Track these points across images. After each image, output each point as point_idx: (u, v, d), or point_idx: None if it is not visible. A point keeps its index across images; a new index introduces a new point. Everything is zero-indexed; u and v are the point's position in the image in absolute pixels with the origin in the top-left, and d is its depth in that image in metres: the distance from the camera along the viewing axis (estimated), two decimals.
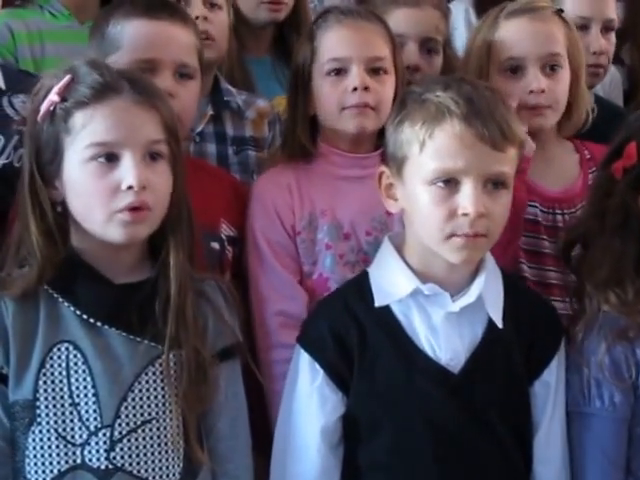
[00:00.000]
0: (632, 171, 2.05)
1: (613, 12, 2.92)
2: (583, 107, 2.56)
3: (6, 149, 2.37)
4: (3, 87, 2.46)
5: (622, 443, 2.04)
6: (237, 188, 2.53)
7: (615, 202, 2.06)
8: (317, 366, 2.00)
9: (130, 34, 2.29)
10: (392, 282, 2.02)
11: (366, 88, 2.31)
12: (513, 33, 2.47)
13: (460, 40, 3.17)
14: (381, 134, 2.25)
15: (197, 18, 2.55)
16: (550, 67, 2.43)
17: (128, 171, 1.85)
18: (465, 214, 1.89)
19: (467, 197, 1.89)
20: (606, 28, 2.85)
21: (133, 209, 1.86)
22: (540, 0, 2.64)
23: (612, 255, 2.05)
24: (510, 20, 2.49)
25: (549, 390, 2.06)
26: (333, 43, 2.37)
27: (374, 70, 2.34)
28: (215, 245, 2.36)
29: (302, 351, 2.03)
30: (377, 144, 2.30)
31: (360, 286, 2.06)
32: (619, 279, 2.04)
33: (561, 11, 2.58)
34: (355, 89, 2.31)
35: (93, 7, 2.92)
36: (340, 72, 2.34)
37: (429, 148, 1.92)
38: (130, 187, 1.85)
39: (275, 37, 3.04)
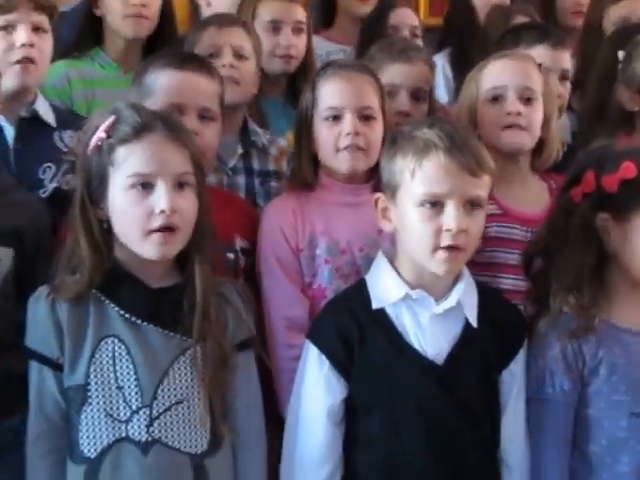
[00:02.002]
0: (591, 195, 2.04)
1: (568, 63, 2.92)
2: (554, 144, 2.56)
3: (56, 176, 2.40)
4: (54, 124, 2.48)
5: (570, 423, 2.05)
6: (250, 210, 2.54)
7: (576, 222, 2.05)
8: (324, 357, 2.00)
9: (162, 82, 2.30)
10: (386, 288, 2.02)
11: (357, 133, 2.30)
12: (497, 68, 2.48)
13: (440, 89, 3.16)
14: (371, 169, 2.31)
15: (224, 66, 2.56)
16: (526, 98, 2.42)
17: (161, 198, 1.87)
18: (448, 230, 1.89)
19: (451, 216, 1.90)
20: (562, 77, 2.85)
21: (164, 229, 1.87)
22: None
23: (574, 265, 2.04)
24: (497, 60, 2.51)
25: (514, 379, 2.06)
26: (330, 93, 2.36)
27: (365, 117, 2.33)
28: (230, 255, 2.35)
29: (311, 345, 2.03)
30: (368, 176, 2.31)
31: (359, 291, 2.05)
32: (579, 285, 2.03)
33: (540, 65, 2.58)
34: (348, 134, 2.30)
35: (135, 58, 2.93)
36: (336, 118, 2.33)
37: (418, 176, 1.93)
38: (162, 211, 1.86)
39: (288, 83, 3.05)
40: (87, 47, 2.94)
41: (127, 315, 1.92)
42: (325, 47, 3.48)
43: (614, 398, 2.02)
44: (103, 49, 2.96)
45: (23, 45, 2.36)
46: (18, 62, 2.37)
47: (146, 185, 1.88)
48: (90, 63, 2.92)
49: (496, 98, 2.44)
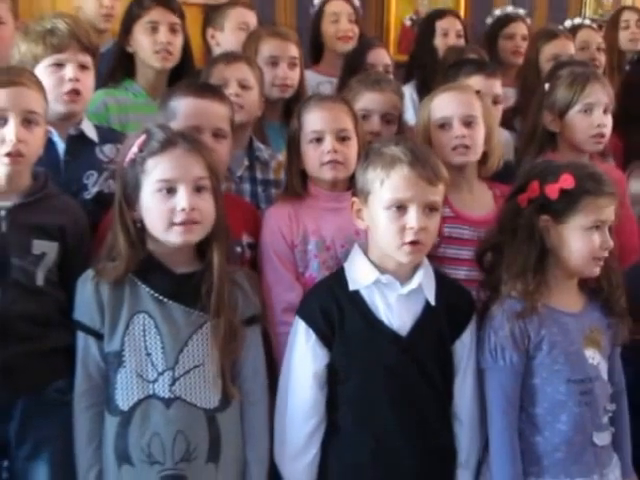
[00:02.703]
0: (535, 201, 2.06)
1: (499, 89, 2.91)
2: (496, 155, 2.55)
3: (98, 181, 2.41)
4: (96, 140, 2.49)
5: (517, 389, 2.05)
6: (254, 212, 2.52)
7: (522, 222, 2.07)
8: (311, 331, 2.01)
9: (183, 107, 2.31)
10: (360, 274, 2.03)
11: (336, 150, 2.32)
12: (444, 101, 2.47)
13: (409, 113, 3.20)
14: (350, 179, 2.29)
15: (231, 95, 2.55)
16: (469, 122, 2.44)
17: (182, 198, 1.89)
18: (411, 228, 1.92)
19: (413, 218, 1.93)
20: (494, 101, 2.84)
21: (185, 223, 1.90)
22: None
23: (521, 258, 2.06)
24: (443, 93, 2.50)
25: (465, 349, 2.07)
26: (313, 120, 2.36)
27: (342, 138, 2.35)
28: (238, 249, 2.36)
29: (300, 320, 2.04)
30: (348, 186, 2.31)
31: (339, 276, 2.07)
32: (525, 274, 2.04)
33: (478, 92, 2.62)
34: (329, 151, 2.32)
35: (162, 87, 2.91)
36: (319, 140, 2.33)
37: (386, 184, 1.95)
38: (183, 209, 1.89)
39: (285, 107, 3.03)
40: (121, 78, 2.95)
41: (155, 294, 1.94)
42: (315, 78, 3.46)
43: (554, 368, 2.03)
44: (134, 80, 2.96)
45: (71, 80, 2.36)
46: (66, 93, 2.37)
47: (170, 190, 1.90)
48: (124, 92, 2.92)
49: (444, 125, 2.45)
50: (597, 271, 2.07)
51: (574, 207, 2.03)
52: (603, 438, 2.09)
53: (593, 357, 2.08)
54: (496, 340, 2.04)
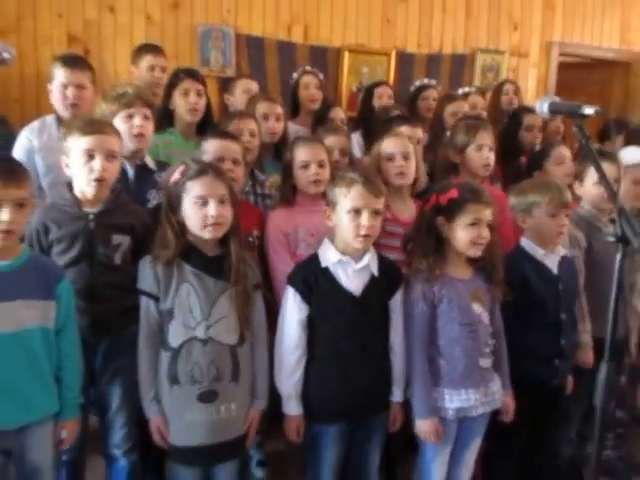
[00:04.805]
0: (434, 207, 2.13)
1: (420, 134, 2.94)
2: (422, 180, 2.66)
3: (156, 197, 2.44)
4: (155, 169, 2.53)
5: (427, 328, 2.09)
6: (260, 214, 2.54)
7: (425, 222, 2.14)
8: (297, 293, 2.04)
9: (212, 146, 2.35)
10: (329, 256, 2.06)
11: (318, 173, 2.37)
12: (390, 142, 2.54)
13: (356, 152, 3.22)
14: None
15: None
16: (405, 157, 2.50)
17: (212, 208, 1.93)
18: (364, 225, 1.99)
19: (365, 219, 1.99)
20: (417, 142, 2.84)
21: (213, 225, 1.93)
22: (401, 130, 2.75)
23: (425, 245, 2.12)
24: (390, 137, 2.56)
25: (397, 304, 2.11)
26: (301, 153, 2.41)
27: (321, 165, 2.41)
28: (250, 239, 2.39)
29: (289, 286, 2.06)
30: (323, 195, 2.26)
31: (314, 258, 2.09)
32: (427, 255, 2.10)
33: (418, 141, 2.68)
34: (313, 174, 2.39)
35: (192, 133, 2.96)
36: (305, 166, 2.40)
37: (347, 197, 2.01)
38: (213, 216, 1.93)
39: (274, 149, 3.05)
40: (166, 126, 2.95)
41: (194, 270, 1.96)
42: (292, 128, 3.44)
43: (451, 315, 2.08)
44: (174, 127, 2.97)
45: (138, 126, 2.40)
46: (135, 136, 2.41)
47: (204, 203, 1.93)
48: (167, 135, 2.92)
49: (390, 158, 2.50)
50: (478, 253, 2.10)
51: (458, 211, 2.06)
52: (486, 362, 2.15)
53: (477, 309, 2.13)
54: (413, 297, 2.08)
